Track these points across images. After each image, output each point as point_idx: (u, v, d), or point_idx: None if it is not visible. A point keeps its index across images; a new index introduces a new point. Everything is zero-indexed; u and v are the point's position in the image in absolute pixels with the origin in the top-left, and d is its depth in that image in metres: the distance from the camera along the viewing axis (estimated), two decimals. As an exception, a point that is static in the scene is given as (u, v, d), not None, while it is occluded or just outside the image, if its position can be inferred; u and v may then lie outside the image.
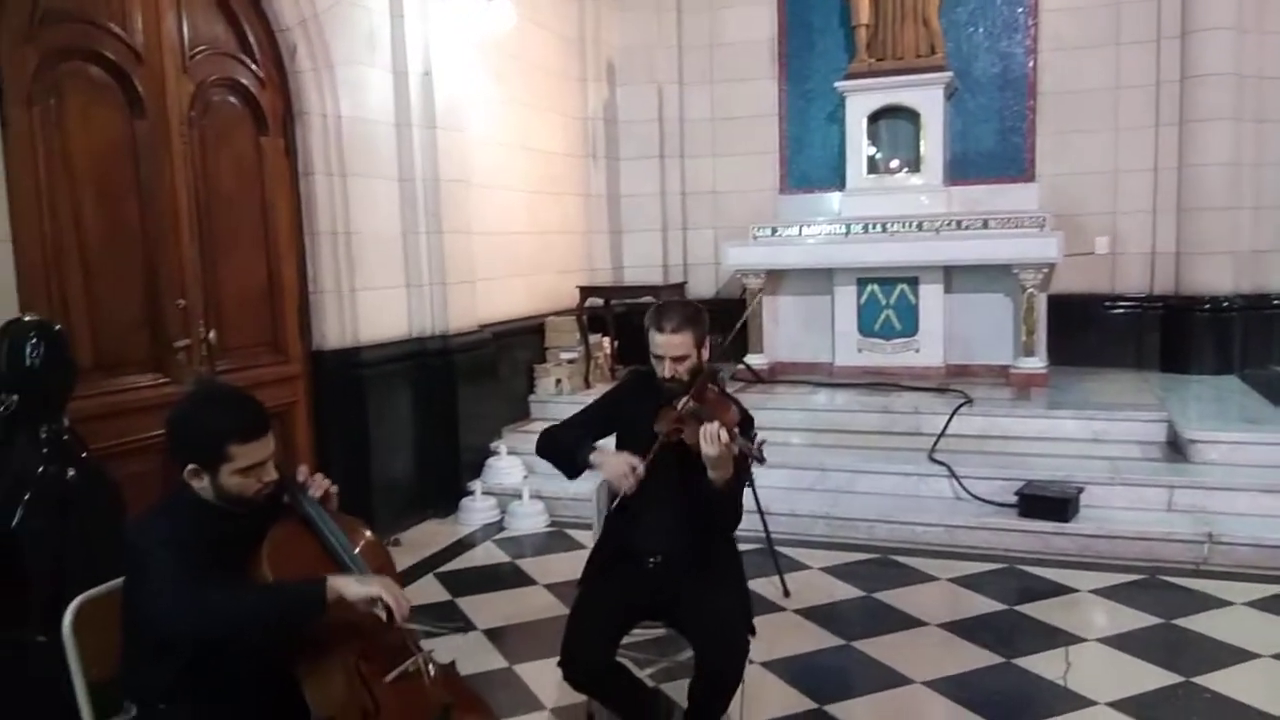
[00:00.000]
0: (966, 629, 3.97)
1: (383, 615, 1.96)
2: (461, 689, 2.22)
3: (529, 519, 5.48)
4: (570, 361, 6.85)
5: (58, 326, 3.18)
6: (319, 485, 2.26)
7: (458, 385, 5.65)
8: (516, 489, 5.62)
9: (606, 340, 7.34)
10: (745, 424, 2.80)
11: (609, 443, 2.96)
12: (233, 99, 4.51)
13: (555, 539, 5.32)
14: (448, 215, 5.59)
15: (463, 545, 5.23)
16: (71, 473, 3.12)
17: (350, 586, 1.94)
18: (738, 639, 2.66)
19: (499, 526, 5.51)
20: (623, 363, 7.50)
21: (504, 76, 6.50)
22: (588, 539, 5.13)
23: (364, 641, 2.05)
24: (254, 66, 4.60)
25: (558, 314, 7.02)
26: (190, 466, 2.07)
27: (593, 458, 2.83)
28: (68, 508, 3.10)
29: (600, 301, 7.28)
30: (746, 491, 3.06)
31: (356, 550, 2.20)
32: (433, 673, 2.13)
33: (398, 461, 5.40)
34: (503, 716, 3.26)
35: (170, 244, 4.11)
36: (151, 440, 3.97)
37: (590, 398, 6.46)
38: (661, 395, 2.81)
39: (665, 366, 2.78)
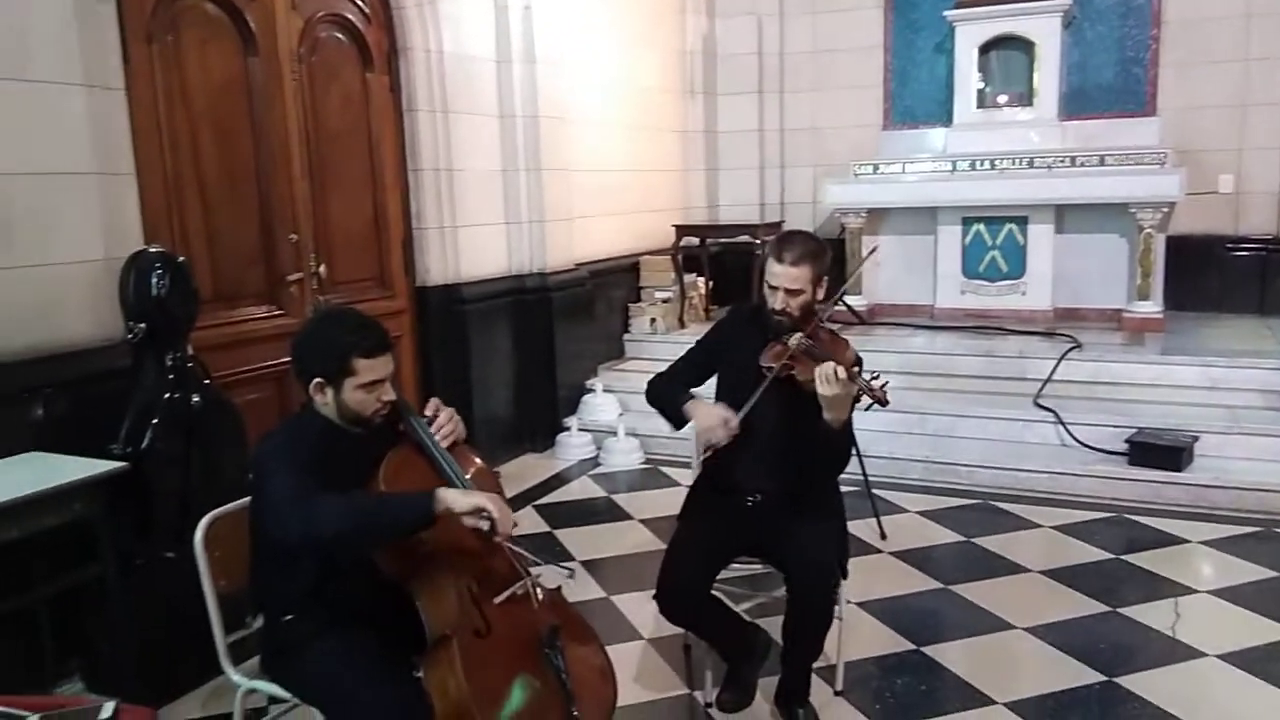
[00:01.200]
0: (1070, 577, 3.89)
1: (484, 526, 1.99)
2: (568, 613, 2.28)
3: (624, 455, 5.54)
4: (665, 301, 6.85)
5: (181, 258, 3.31)
6: (440, 424, 2.30)
7: (555, 323, 5.71)
8: (612, 426, 5.69)
9: (701, 280, 7.31)
10: (857, 365, 2.75)
11: (712, 384, 2.95)
12: (340, 35, 4.56)
13: (650, 476, 5.37)
14: (546, 152, 5.59)
15: (559, 480, 5.33)
16: (195, 399, 3.27)
17: (457, 498, 1.99)
18: (824, 575, 2.65)
19: (594, 462, 5.59)
20: (718, 303, 7.48)
21: (603, 9, 6.43)
22: (682, 476, 5.21)
23: (475, 564, 2.11)
24: (360, 2, 4.64)
25: (653, 253, 7.00)
26: (316, 380, 2.15)
27: (687, 407, 2.81)
28: (192, 432, 3.26)
29: (695, 241, 7.23)
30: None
31: (468, 476, 2.25)
32: (540, 596, 2.19)
33: (497, 396, 5.50)
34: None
35: (282, 180, 4.21)
36: (266, 370, 4.15)
37: (685, 337, 6.60)
38: (768, 330, 2.77)
39: (779, 298, 2.73)
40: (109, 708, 1.53)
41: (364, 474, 2.13)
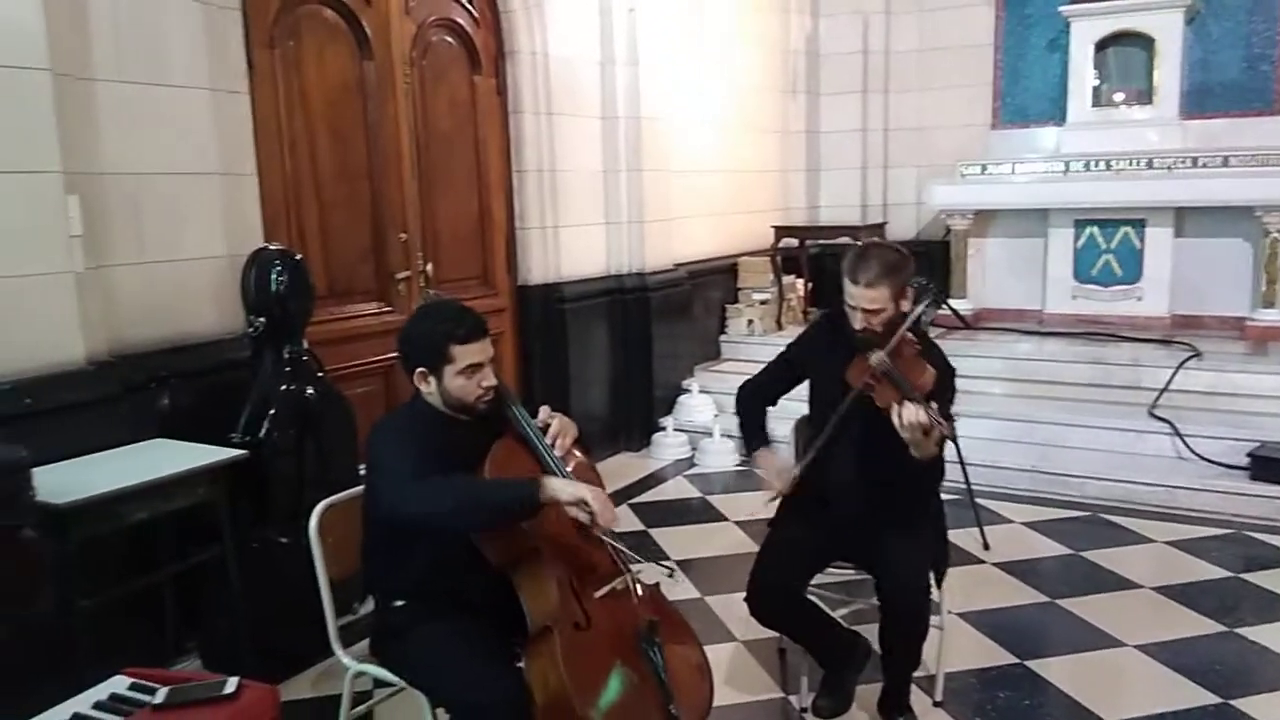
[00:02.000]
0: (1185, 594, 3.73)
1: (585, 518, 2.03)
2: (667, 610, 2.29)
3: (719, 456, 5.54)
4: (763, 302, 6.81)
5: (299, 255, 3.45)
6: (558, 431, 2.34)
7: (652, 323, 5.74)
8: (707, 427, 5.69)
9: (800, 281, 7.24)
10: (945, 377, 2.66)
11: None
12: (449, 39, 4.68)
13: (745, 478, 5.35)
14: (647, 153, 5.63)
15: (654, 479, 5.35)
16: (310, 391, 3.41)
17: (563, 486, 2.06)
18: (915, 591, 2.59)
19: (690, 463, 5.60)
20: (816, 305, 7.39)
21: (706, 10, 6.43)
22: (795, 465, 5.15)
23: (577, 558, 2.15)
24: (469, 6, 4.75)
25: (751, 254, 6.97)
26: (419, 370, 2.23)
27: (755, 455, 2.88)
28: (306, 423, 3.39)
29: (794, 242, 7.17)
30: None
31: (569, 469, 2.29)
32: (640, 592, 2.21)
33: (594, 394, 5.56)
34: (696, 644, 3.35)
35: (393, 180, 4.35)
36: (375, 364, 4.29)
37: (782, 339, 6.53)
38: (855, 341, 2.68)
39: (858, 319, 2.65)
40: (232, 684, 1.61)
41: (470, 461, 2.19)
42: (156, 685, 1.65)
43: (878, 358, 2.57)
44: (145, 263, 3.28)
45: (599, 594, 2.15)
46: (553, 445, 2.29)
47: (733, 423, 5.51)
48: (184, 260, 3.39)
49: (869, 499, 2.72)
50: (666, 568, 2.32)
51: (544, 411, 2.39)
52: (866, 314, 2.64)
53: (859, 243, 3.02)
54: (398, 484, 2.05)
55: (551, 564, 2.13)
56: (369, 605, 2.77)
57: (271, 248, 3.43)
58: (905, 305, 2.69)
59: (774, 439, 2.97)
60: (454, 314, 2.24)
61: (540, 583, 2.13)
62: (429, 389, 2.24)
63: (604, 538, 2.14)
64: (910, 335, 2.64)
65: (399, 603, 2.24)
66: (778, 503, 2.80)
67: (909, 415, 2.39)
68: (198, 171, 3.41)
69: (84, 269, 3.04)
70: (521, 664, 2.11)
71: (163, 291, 3.33)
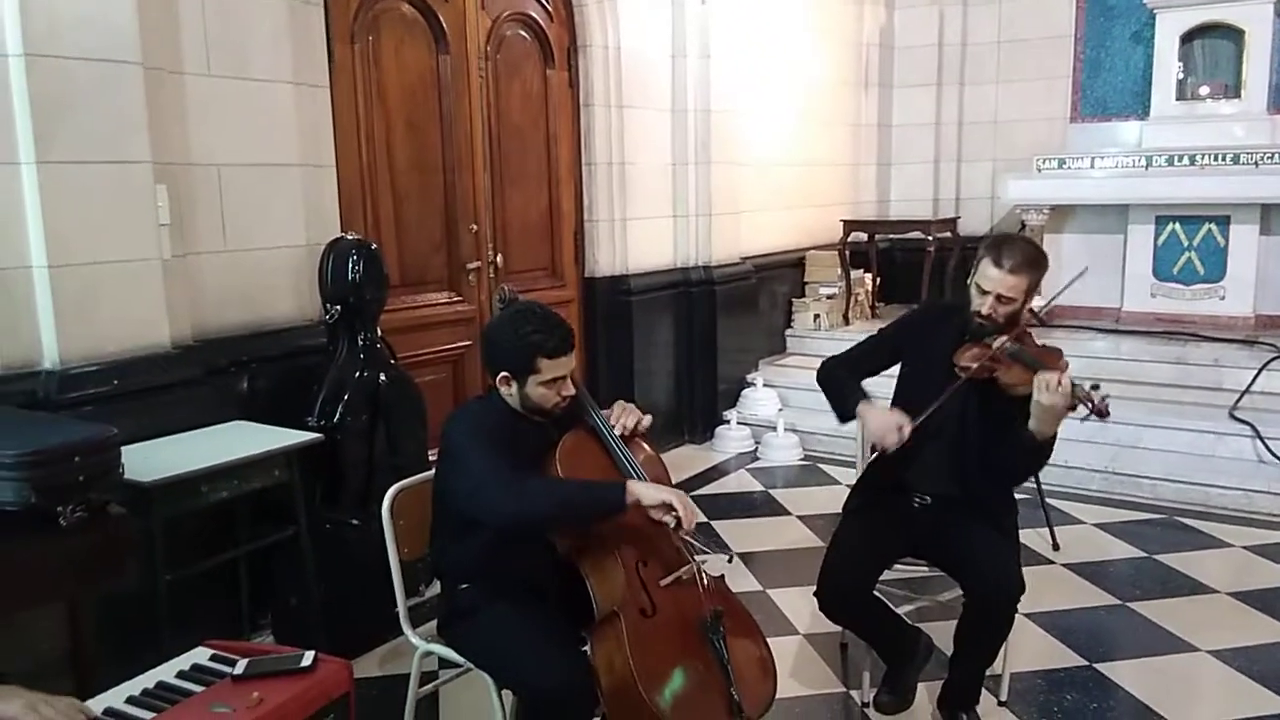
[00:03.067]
0: (1263, 600, 3.63)
1: (670, 522, 2.07)
2: (731, 601, 2.31)
3: (783, 451, 5.52)
4: (830, 297, 6.76)
5: (374, 245, 3.53)
6: (623, 420, 2.39)
7: (718, 316, 5.74)
8: (771, 421, 5.67)
9: (868, 276, 7.17)
10: None
11: (888, 384, 2.89)
12: (524, 33, 4.73)
13: (809, 472, 5.33)
14: (716, 146, 5.62)
15: (717, 471, 5.36)
16: (383, 378, 3.49)
17: (648, 491, 2.09)
18: (1011, 590, 2.55)
19: (753, 456, 5.59)
20: (885, 300, 7.32)
21: (779, 2, 6.39)
22: (842, 474, 5.15)
23: (645, 546, 2.17)
24: (543, 1, 4.80)
25: (819, 248, 6.92)
26: (502, 374, 2.26)
27: (860, 408, 2.71)
28: (378, 409, 3.48)
29: (864, 236, 7.10)
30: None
31: (638, 460, 2.32)
32: (705, 582, 2.23)
33: (659, 386, 5.59)
34: (758, 636, 3.36)
35: (466, 172, 4.42)
36: (444, 353, 4.37)
37: (849, 335, 6.51)
38: (967, 330, 2.65)
39: (988, 303, 2.59)
40: (309, 657, 1.67)
41: (537, 456, 2.23)
42: (236, 657, 1.71)
43: (1002, 341, 2.54)
44: (228, 251, 3.39)
45: (665, 582, 2.18)
46: (616, 429, 2.33)
47: (798, 416, 5.58)
48: (265, 249, 3.50)
49: (955, 490, 2.69)
50: (725, 554, 2.33)
51: (617, 407, 2.42)
52: (999, 301, 2.59)
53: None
54: (496, 489, 2.07)
55: (619, 552, 2.16)
56: (435, 588, 2.85)
57: (348, 237, 3.51)
58: (1030, 304, 2.67)
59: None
60: (545, 325, 2.24)
61: (607, 569, 2.16)
62: (509, 391, 2.28)
63: (690, 539, 2.17)
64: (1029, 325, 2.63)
65: (465, 585, 2.29)
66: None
67: (1051, 379, 2.35)
68: (279, 163, 3.51)
69: (170, 256, 3.15)
70: (587, 648, 2.14)
71: (244, 279, 3.44)
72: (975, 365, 2.57)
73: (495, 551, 2.24)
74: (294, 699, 1.57)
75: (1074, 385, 2.39)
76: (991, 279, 2.59)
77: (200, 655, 1.77)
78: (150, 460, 2.72)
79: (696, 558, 2.26)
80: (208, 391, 3.18)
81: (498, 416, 2.27)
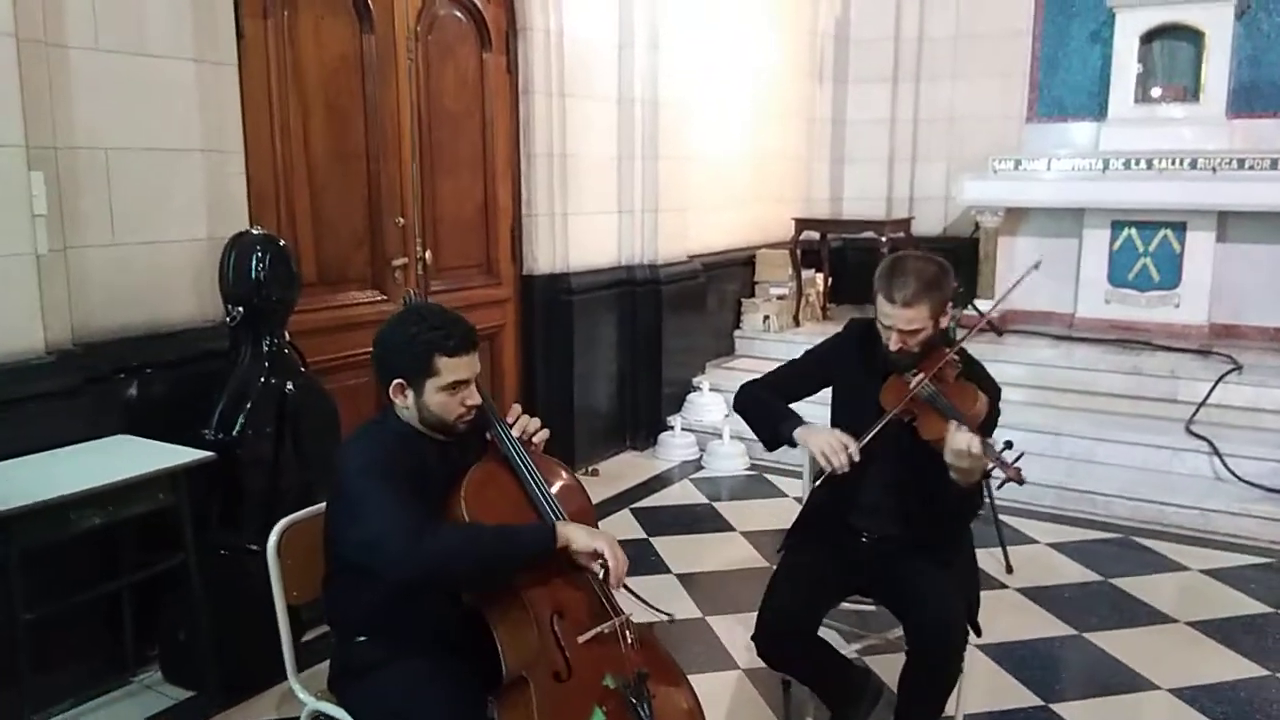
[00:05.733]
0: (1223, 631, 3.47)
1: (599, 572, 1.82)
2: (658, 657, 2.05)
3: (729, 460, 5.29)
4: (780, 298, 6.55)
5: (282, 241, 3.23)
6: (523, 425, 2.12)
7: (663, 316, 5.49)
8: (717, 428, 5.44)
9: (820, 276, 6.98)
10: (993, 399, 2.43)
11: (820, 401, 2.67)
12: (458, 13, 4.42)
13: (755, 483, 5.11)
14: (664, 140, 5.36)
15: (660, 481, 5.12)
16: (290, 386, 3.18)
17: (580, 537, 1.85)
18: (952, 635, 2.34)
19: (697, 465, 5.36)
20: (836, 301, 7.14)
21: (731, -9, 6.15)
22: (790, 486, 4.93)
23: (563, 596, 1.92)
24: (479, -21, 4.50)
25: (770, 246, 6.70)
26: (396, 381, 1.99)
27: (797, 433, 2.47)
28: (285, 420, 3.17)
29: (816, 235, 6.90)
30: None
31: (554, 490, 2.06)
32: (630, 638, 1.97)
33: (600, 390, 5.33)
34: (695, 672, 3.10)
35: (392, 161, 4.11)
36: (368, 356, 4.02)
37: (799, 337, 6.29)
38: (888, 360, 2.45)
39: (893, 339, 2.38)
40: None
41: (442, 485, 1.97)
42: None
43: (919, 382, 2.34)
44: (117, 245, 3.06)
45: (584, 638, 1.91)
46: (524, 437, 2.09)
47: (744, 424, 5.32)
48: (160, 243, 3.18)
49: (899, 524, 2.49)
50: (666, 616, 2.06)
51: (514, 410, 2.16)
52: (902, 335, 2.37)
53: (893, 252, 2.73)
54: (398, 544, 1.80)
55: (532, 603, 1.90)
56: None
57: (254, 232, 3.20)
58: (945, 321, 2.43)
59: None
60: (442, 321, 1.99)
61: (517, 625, 1.89)
62: (404, 402, 2.00)
63: (616, 593, 1.93)
64: (954, 357, 2.40)
65: (360, 639, 2.01)
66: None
67: (961, 443, 2.16)
68: (178, 148, 3.19)
69: (47, 251, 2.82)
70: (493, 715, 1.88)
71: (136, 276, 3.11)
72: (895, 409, 2.36)
73: (394, 602, 1.96)
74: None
75: (985, 447, 2.18)
76: (889, 315, 2.37)
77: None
78: (10, 483, 2.41)
79: (632, 614, 2.00)
80: (86, 402, 2.87)
81: (395, 441, 1.99)
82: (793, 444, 2.50)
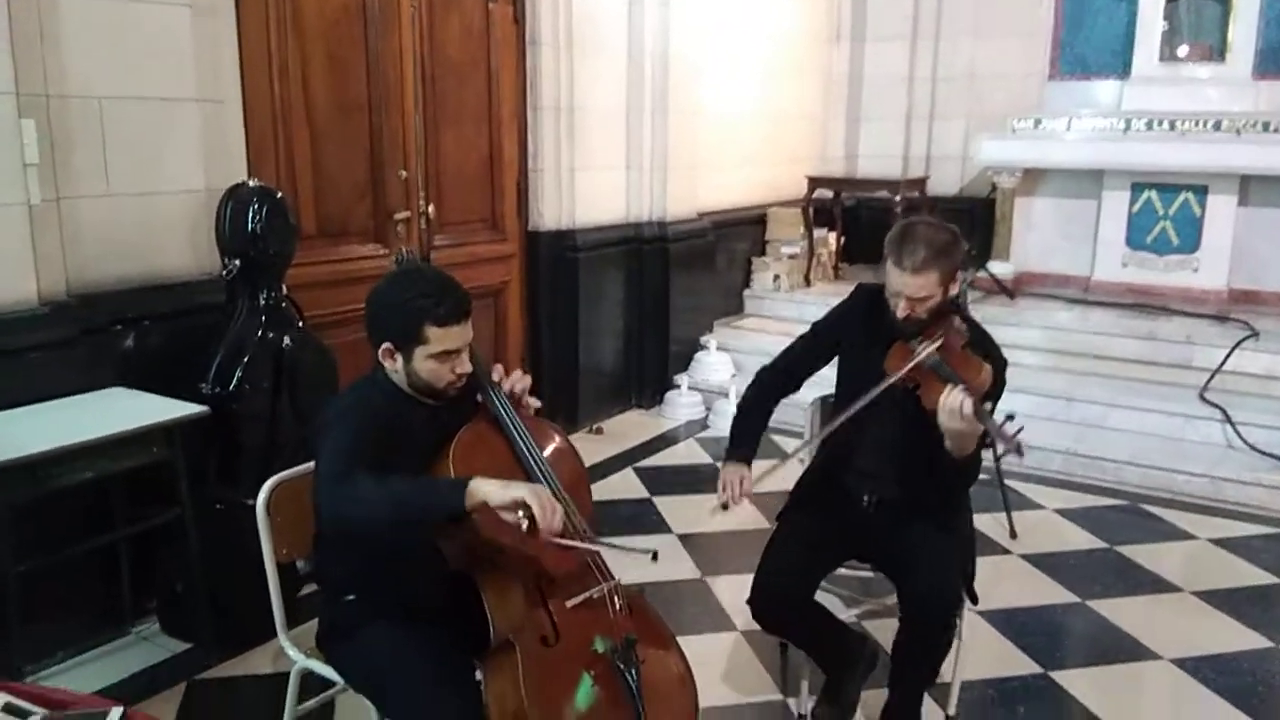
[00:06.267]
0: (1229, 602, 3.43)
1: (524, 524, 1.73)
2: (648, 621, 2.03)
3: (735, 419, 5.24)
4: (791, 257, 6.45)
5: (280, 194, 3.17)
6: (511, 382, 2.07)
7: (671, 275, 5.42)
8: (724, 387, 5.39)
9: (832, 236, 6.87)
10: (998, 371, 2.36)
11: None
12: (464, -40, 4.32)
13: (761, 444, 5.05)
14: (675, 95, 5.25)
15: (665, 440, 5.08)
16: (287, 340, 3.15)
17: (493, 491, 1.73)
18: (946, 602, 2.31)
19: (703, 424, 5.32)
20: (848, 261, 7.04)
21: (746, -58, 5.99)
22: (794, 446, 4.86)
23: (550, 559, 1.87)
24: (487, -75, 4.38)
25: (782, 204, 6.59)
26: (385, 345, 1.94)
27: (728, 463, 2.55)
28: (282, 374, 3.14)
29: (829, 194, 6.78)
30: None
31: (546, 453, 2.02)
32: (619, 603, 1.94)
33: (606, 348, 5.28)
34: (692, 633, 3.11)
35: (395, 112, 4.03)
36: (368, 311, 4.01)
37: (809, 297, 6.20)
38: (895, 327, 2.39)
39: (901, 306, 2.33)
40: (116, 714, 1.36)
41: (434, 447, 1.93)
42: (31, 709, 1.39)
43: (925, 350, 2.28)
44: (111, 195, 3.01)
45: (572, 603, 1.89)
46: (513, 399, 2.04)
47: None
48: (156, 194, 3.13)
49: (900, 490, 2.45)
50: (647, 553, 2.01)
51: (498, 370, 2.10)
52: (911, 302, 2.32)
53: (907, 213, 2.67)
54: (322, 485, 1.78)
55: (519, 568, 1.87)
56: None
57: (250, 184, 3.14)
58: (954, 289, 2.38)
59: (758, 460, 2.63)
60: (434, 287, 1.92)
61: (504, 589, 1.87)
62: (394, 366, 1.96)
63: (579, 543, 1.87)
64: (960, 324, 2.35)
65: (348, 598, 1.99)
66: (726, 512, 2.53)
67: (954, 402, 2.12)
68: (173, 97, 3.12)
69: (40, 200, 2.78)
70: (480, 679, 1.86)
71: (131, 227, 3.07)
72: (896, 376, 2.30)
73: (381, 563, 1.94)
74: (86, 773, 1.27)
75: (983, 414, 2.13)
76: (897, 283, 2.32)
77: (-12, 704, 1.45)
78: (1, 436, 2.38)
79: (606, 551, 1.96)
80: (81, 354, 2.84)
81: (381, 400, 1.95)
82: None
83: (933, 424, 2.24)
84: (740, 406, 2.71)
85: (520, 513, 1.72)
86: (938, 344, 2.29)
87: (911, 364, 2.28)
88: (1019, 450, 2.10)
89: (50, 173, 2.82)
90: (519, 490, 1.74)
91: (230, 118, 3.33)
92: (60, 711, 1.37)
